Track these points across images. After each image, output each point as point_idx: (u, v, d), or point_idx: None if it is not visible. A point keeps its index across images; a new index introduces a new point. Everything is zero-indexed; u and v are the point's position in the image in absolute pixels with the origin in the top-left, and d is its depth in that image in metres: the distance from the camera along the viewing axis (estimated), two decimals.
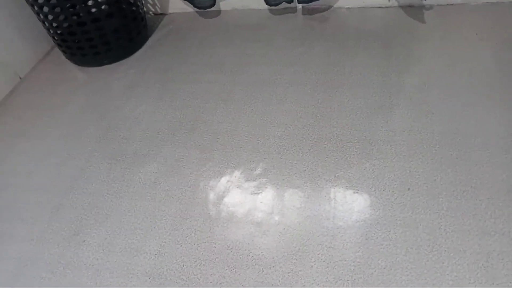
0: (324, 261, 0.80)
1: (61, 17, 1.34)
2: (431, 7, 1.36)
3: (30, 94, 1.39)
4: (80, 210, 1.00)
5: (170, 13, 1.63)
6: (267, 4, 1.43)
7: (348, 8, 1.45)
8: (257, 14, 1.52)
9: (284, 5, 1.43)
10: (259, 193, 0.95)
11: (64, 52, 1.46)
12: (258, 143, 1.06)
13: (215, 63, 1.35)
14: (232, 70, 1.31)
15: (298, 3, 1.40)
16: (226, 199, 0.95)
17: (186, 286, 0.81)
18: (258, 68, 1.29)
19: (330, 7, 1.46)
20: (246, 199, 0.94)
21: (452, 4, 1.35)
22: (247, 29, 1.46)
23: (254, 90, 1.22)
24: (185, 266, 0.84)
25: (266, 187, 0.96)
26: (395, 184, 0.90)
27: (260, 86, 1.22)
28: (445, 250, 0.78)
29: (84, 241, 0.93)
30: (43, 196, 1.05)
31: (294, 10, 1.49)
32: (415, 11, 1.37)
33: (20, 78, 1.45)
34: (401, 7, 1.40)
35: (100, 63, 1.43)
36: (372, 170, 0.94)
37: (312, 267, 0.80)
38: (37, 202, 1.04)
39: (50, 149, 1.17)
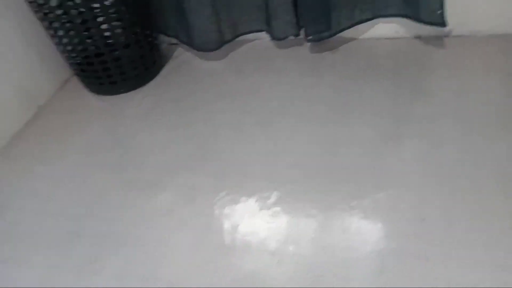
0: None
1: (79, 48, 1.40)
2: (438, 38, 1.40)
3: (48, 122, 1.43)
4: (95, 238, 1.01)
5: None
6: (273, 39, 1.47)
7: (357, 39, 1.49)
8: (266, 45, 1.56)
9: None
10: (273, 222, 0.96)
11: (82, 81, 1.51)
12: (271, 172, 1.08)
13: (226, 93, 1.38)
14: (243, 99, 1.34)
15: (308, 41, 1.43)
16: (241, 228, 0.96)
17: None
18: (269, 98, 1.32)
19: (339, 37, 1.50)
20: (261, 228, 0.95)
21: (459, 36, 1.39)
22: (256, 60, 1.50)
23: (265, 120, 1.24)
24: None
25: (281, 216, 0.96)
26: (409, 215, 0.91)
27: (271, 116, 1.25)
28: (460, 285, 0.77)
29: (99, 270, 0.94)
30: (59, 222, 1.06)
31: (302, 41, 1.53)
32: (422, 42, 1.41)
33: (40, 106, 1.49)
34: (409, 38, 1.44)
35: (116, 92, 1.47)
36: (386, 200, 0.95)
37: None
38: (53, 228, 1.05)
39: (67, 175, 1.19)
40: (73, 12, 1.28)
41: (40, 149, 1.32)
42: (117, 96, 1.47)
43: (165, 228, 1.00)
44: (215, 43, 1.49)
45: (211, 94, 1.39)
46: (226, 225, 0.97)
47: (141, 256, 0.94)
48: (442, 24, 1.28)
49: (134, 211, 1.05)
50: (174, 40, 1.69)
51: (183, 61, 1.59)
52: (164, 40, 1.70)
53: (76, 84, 1.56)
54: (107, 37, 1.39)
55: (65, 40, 1.38)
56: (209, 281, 0.87)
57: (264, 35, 1.56)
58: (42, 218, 1.09)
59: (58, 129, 1.38)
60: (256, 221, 0.97)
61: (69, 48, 1.41)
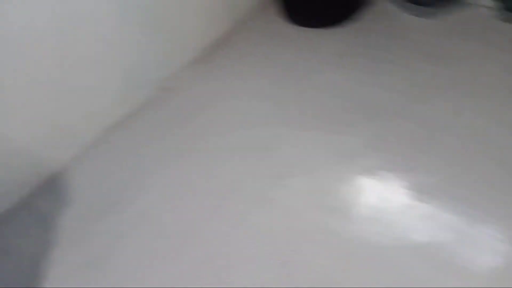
0: None
1: None
2: None
3: (244, 39, 1.49)
4: (286, 156, 1.10)
5: None
6: (506, 9, 1.31)
7: None
8: (490, 15, 1.39)
9: None
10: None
11: (281, 7, 1.52)
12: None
13: (429, 54, 1.30)
14: (448, 66, 1.25)
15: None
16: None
17: None
18: (476, 71, 1.22)
19: None
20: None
21: None
22: (470, 28, 1.37)
23: (472, 92, 1.16)
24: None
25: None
26: None
27: (480, 90, 1.16)
28: None
29: (286, 185, 1.02)
30: (253, 135, 1.17)
31: None
32: None
33: (237, 21, 1.54)
34: None
35: (312, 25, 1.47)
36: None
37: None
38: (249, 136, 1.17)
39: (261, 95, 1.29)
40: None
41: (239, 65, 1.40)
42: (312, 29, 1.47)
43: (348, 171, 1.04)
44: None
45: (411, 51, 1.32)
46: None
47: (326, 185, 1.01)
48: None
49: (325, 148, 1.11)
50: None
51: (385, 10, 1.50)
52: None
53: (274, 9, 1.57)
54: None
55: None
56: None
57: (492, 3, 1.38)
58: (237, 126, 1.21)
59: (255, 50, 1.44)
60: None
61: None
